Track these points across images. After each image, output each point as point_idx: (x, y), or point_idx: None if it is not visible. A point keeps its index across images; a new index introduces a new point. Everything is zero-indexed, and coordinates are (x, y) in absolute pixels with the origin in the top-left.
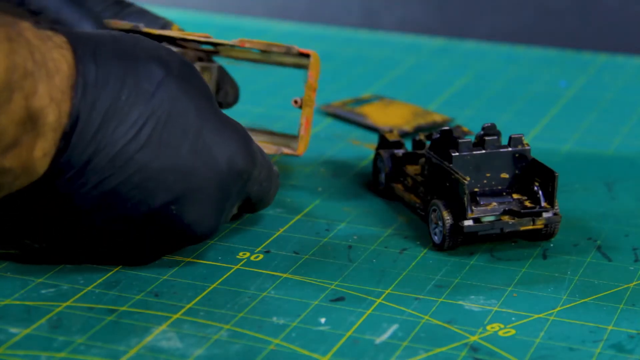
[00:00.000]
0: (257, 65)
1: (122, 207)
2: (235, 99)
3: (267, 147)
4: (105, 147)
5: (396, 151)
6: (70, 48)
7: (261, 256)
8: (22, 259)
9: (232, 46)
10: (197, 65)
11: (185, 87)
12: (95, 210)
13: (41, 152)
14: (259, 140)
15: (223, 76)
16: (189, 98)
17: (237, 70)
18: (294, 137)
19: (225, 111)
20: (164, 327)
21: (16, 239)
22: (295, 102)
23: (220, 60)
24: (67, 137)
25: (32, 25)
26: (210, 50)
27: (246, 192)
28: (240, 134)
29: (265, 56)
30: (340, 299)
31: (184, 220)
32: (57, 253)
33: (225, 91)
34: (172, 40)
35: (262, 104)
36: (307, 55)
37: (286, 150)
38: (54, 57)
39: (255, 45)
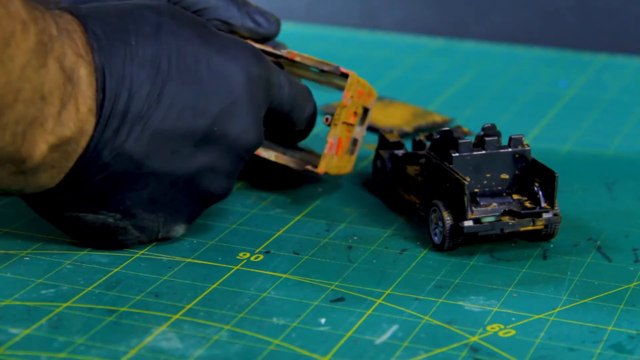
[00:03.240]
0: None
1: (173, 143)
2: None
3: (293, 161)
4: (136, 89)
5: (396, 151)
6: (76, 18)
7: (261, 256)
8: (24, 261)
9: (281, 57)
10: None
11: (181, 21)
12: (151, 155)
13: (85, 107)
14: (287, 155)
15: None
16: (188, 28)
17: None
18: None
19: None
20: (164, 327)
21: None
22: (326, 119)
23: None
24: (101, 89)
25: (44, 8)
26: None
27: (272, 96)
28: (247, 46)
29: (317, 75)
30: (340, 300)
31: (231, 136)
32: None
33: None
34: None
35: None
36: (346, 75)
37: (307, 167)
38: (67, 26)
39: (305, 60)
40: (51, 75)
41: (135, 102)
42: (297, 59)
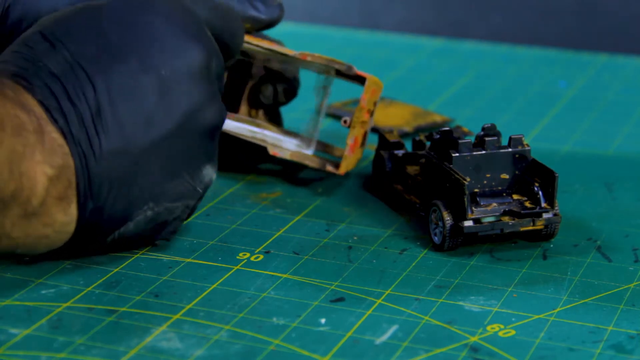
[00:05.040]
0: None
1: (142, 113)
2: (287, 98)
3: (313, 160)
4: (75, 95)
5: (396, 151)
6: (21, 87)
7: (261, 256)
8: (22, 261)
9: (293, 57)
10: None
11: (61, 15)
12: (132, 136)
13: (54, 132)
14: (302, 152)
15: (277, 74)
16: (71, 16)
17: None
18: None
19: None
20: (164, 327)
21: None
22: (345, 121)
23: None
24: (48, 111)
25: None
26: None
27: (201, 13)
28: None
29: (328, 70)
30: (340, 300)
31: (180, 70)
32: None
33: (278, 90)
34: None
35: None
36: (363, 78)
37: (329, 168)
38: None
39: (316, 59)
40: (12, 109)
41: (84, 105)
42: (309, 58)
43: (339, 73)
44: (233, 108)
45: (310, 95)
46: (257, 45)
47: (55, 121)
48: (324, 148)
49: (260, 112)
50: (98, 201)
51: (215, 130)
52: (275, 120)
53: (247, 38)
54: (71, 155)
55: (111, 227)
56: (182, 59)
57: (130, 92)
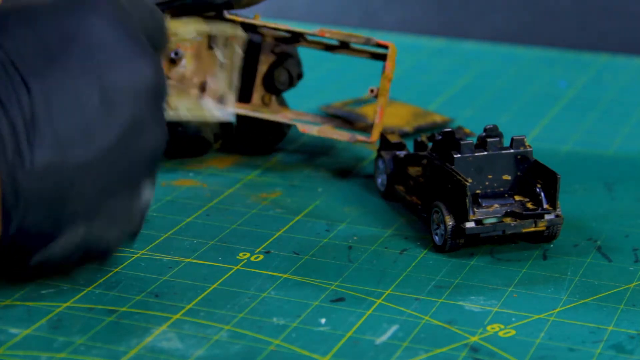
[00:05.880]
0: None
1: (81, 124)
2: (293, 82)
3: (342, 134)
4: (5, 102)
5: (398, 152)
6: None
7: (261, 257)
8: None
9: (312, 36)
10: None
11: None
12: (68, 149)
13: None
14: (334, 128)
15: (286, 59)
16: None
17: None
18: (367, 125)
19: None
20: (164, 327)
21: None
22: (372, 91)
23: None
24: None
25: None
26: (290, 39)
27: (138, 19)
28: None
29: (344, 47)
30: (340, 300)
31: (119, 81)
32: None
33: (292, 75)
34: (253, 28)
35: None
36: (384, 47)
37: (360, 137)
38: None
39: (334, 35)
40: None
41: (16, 111)
42: (328, 35)
43: (352, 50)
44: (245, 96)
45: (310, 93)
46: (274, 28)
47: None
48: (346, 125)
49: (273, 98)
50: (24, 219)
51: (157, 152)
52: (283, 104)
53: (262, 22)
54: None
55: (36, 247)
56: (127, 70)
57: (69, 99)
